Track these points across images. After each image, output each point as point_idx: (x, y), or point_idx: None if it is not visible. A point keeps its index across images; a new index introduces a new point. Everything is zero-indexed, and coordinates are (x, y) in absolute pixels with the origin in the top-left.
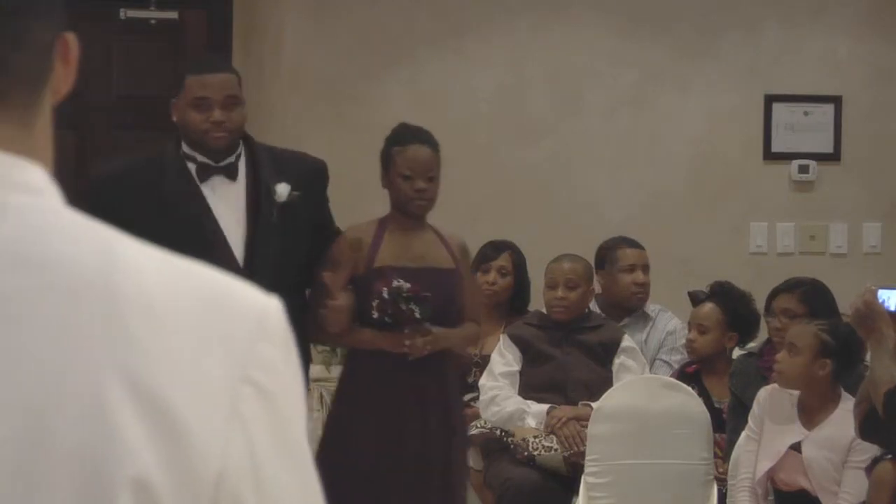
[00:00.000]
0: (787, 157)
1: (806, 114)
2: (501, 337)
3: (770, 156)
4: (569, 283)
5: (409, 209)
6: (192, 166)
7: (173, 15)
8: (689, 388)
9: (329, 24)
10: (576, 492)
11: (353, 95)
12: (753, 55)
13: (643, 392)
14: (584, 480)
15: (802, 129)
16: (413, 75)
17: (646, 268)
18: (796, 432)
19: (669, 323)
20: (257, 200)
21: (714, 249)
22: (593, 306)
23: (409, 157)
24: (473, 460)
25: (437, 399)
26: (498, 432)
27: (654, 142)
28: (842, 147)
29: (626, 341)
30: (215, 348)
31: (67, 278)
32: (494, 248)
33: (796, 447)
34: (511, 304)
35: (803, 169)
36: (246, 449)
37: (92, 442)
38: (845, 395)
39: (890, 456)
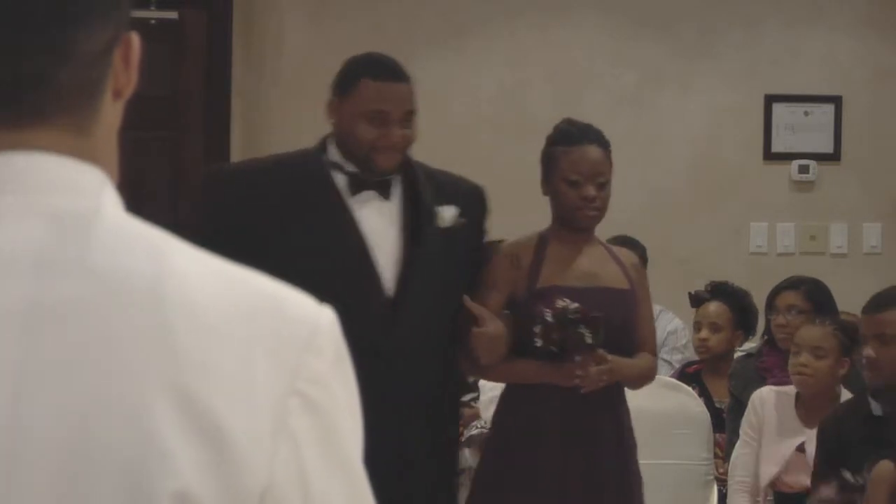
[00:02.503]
0: (788, 157)
1: (806, 114)
2: None
3: (770, 156)
4: None
5: (576, 220)
6: (339, 176)
7: (173, 15)
8: (690, 389)
9: (329, 24)
10: None
11: None
12: (753, 55)
13: (643, 392)
14: None
15: (802, 130)
16: (413, 75)
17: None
18: (798, 433)
19: (671, 323)
20: (414, 224)
21: (714, 249)
22: None
23: (575, 160)
24: (473, 460)
25: (611, 442)
26: None
27: (654, 142)
28: (842, 147)
29: None
30: (264, 360)
31: (116, 285)
32: (495, 249)
33: (800, 447)
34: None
35: (803, 169)
36: (294, 463)
37: (135, 452)
38: (844, 389)
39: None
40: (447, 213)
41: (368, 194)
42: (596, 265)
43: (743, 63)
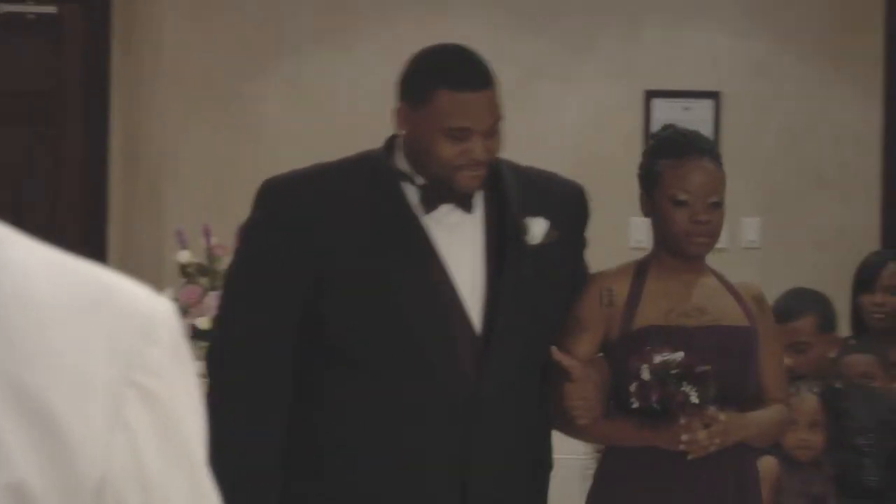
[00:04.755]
0: None
1: (685, 109)
2: None
3: None
4: None
5: (684, 247)
6: (410, 188)
7: (52, 9)
8: None
9: (210, 20)
10: None
11: (234, 93)
12: (634, 51)
13: None
14: None
15: (682, 125)
16: (295, 73)
17: None
18: None
19: None
20: (501, 242)
21: (595, 244)
22: None
23: (683, 175)
24: None
25: None
26: None
27: (534, 137)
28: (721, 142)
29: None
30: (99, 350)
31: None
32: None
33: None
34: None
35: None
36: (130, 455)
37: None
38: None
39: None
40: (537, 228)
41: (446, 209)
42: (706, 299)
43: (623, 58)
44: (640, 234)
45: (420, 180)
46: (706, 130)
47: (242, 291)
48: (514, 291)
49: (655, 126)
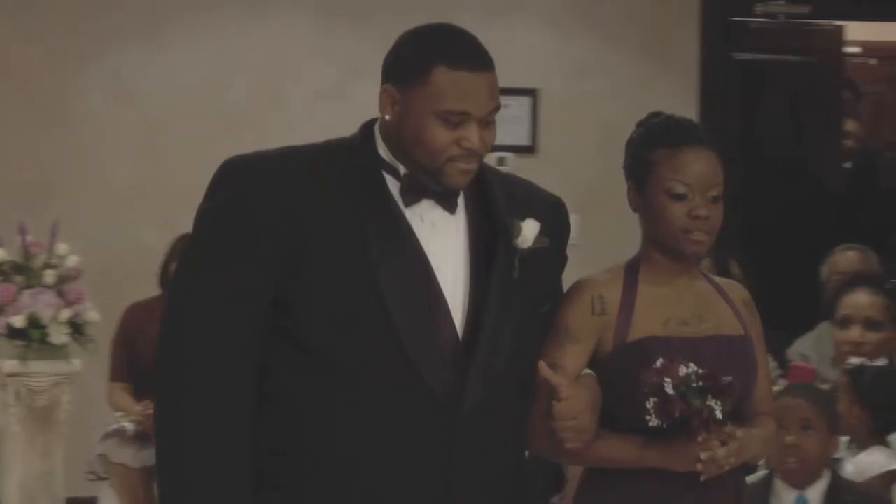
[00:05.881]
0: None
1: (503, 106)
2: None
3: None
4: None
5: (681, 246)
6: (391, 181)
7: None
8: None
9: (22, 13)
10: None
11: (50, 90)
12: None
13: None
14: None
15: (500, 122)
16: (114, 70)
17: None
18: None
19: None
20: (487, 245)
21: None
22: None
23: (680, 166)
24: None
25: None
26: None
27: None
28: (538, 139)
29: None
30: None
31: None
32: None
33: None
34: None
35: (501, 161)
36: None
37: None
38: None
39: None
40: (529, 230)
41: (427, 205)
42: (702, 305)
43: None
44: None
45: (402, 170)
46: (523, 128)
47: (204, 285)
48: (502, 295)
49: None
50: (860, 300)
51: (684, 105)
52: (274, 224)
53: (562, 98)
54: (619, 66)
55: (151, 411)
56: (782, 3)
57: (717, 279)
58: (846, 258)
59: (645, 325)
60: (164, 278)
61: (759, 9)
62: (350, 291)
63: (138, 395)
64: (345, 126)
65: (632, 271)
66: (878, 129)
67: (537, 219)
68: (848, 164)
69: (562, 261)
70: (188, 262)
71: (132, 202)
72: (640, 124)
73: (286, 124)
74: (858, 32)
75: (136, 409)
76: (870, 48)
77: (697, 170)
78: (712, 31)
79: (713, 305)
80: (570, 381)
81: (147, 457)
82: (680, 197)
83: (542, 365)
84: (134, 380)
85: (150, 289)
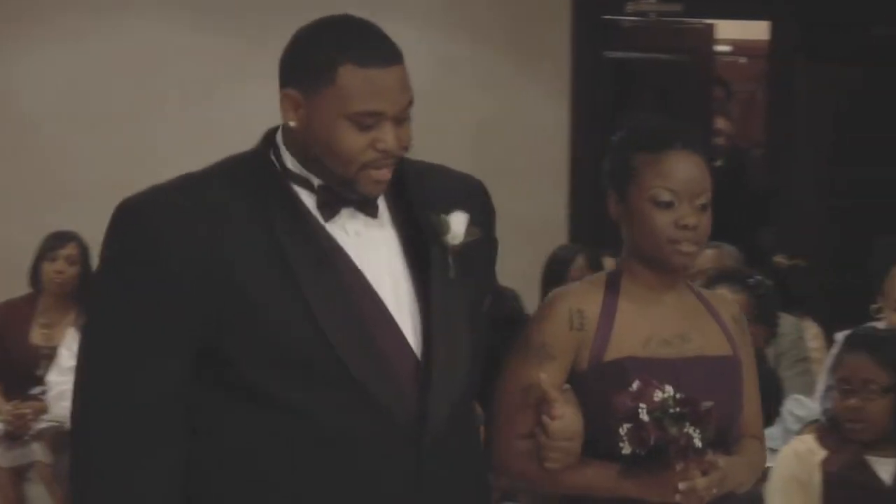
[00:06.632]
0: None
1: None
2: (70, 330)
3: None
4: None
5: (667, 258)
6: (304, 194)
7: None
8: None
9: None
10: None
11: None
12: None
13: None
14: None
15: None
16: None
17: None
18: None
19: None
20: (416, 246)
21: None
22: None
23: (666, 172)
24: (43, 454)
25: None
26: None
27: (222, 133)
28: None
29: None
30: None
31: None
32: (59, 239)
33: None
34: (79, 295)
35: None
36: None
37: None
38: None
39: None
40: (457, 224)
41: (347, 213)
42: (688, 323)
43: None
44: None
45: (316, 182)
46: None
47: (118, 344)
48: (444, 300)
49: None
50: None
51: (556, 104)
52: (187, 266)
53: (433, 95)
54: (491, 65)
55: (21, 411)
56: (653, 2)
57: (707, 293)
58: (703, 256)
59: (624, 343)
60: (34, 278)
61: (630, 7)
62: (282, 324)
63: (8, 394)
64: (212, 124)
65: (612, 284)
66: (747, 128)
67: (464, 209)
68: (718, 163)
69: (493, 246)
70: (96, 320)
71: (1, 200)
72: (621, 127)
73: (158, 122)
74: (729, 31)
75: (6, 408)
76: (740, 47)
77: (684, 176)
78: (584, 29)
79: (699, 323)
80: (565, 402)
81: (17, 456)
82: (666, 205)
83: (543, 376)
84: (3, 379)
85: (19, 288)
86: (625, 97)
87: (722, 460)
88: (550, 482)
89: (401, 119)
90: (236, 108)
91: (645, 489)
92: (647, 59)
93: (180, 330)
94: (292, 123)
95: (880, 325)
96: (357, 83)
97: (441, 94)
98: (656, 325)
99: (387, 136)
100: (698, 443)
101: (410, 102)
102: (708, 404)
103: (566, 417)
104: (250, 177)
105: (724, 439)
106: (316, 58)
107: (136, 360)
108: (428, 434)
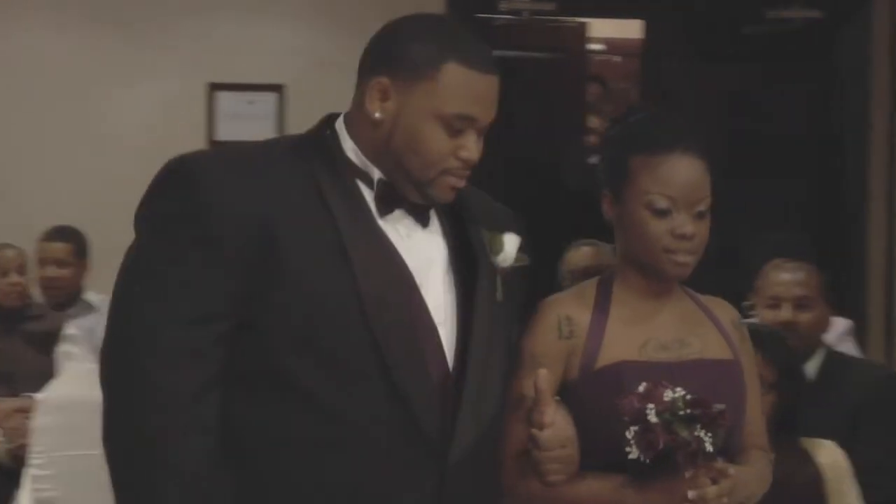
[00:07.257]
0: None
1: (250, 102)
2: None
3: (214, 144)
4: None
5: (662, 266)
6: (364, 188)
7: None
8: None
9: None
10: (19, 484)
11: None
12: (204, 44)
13: (88, 381)
14: (29, 473)
15: (247, 118)
16: None
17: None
18: None
19: None
20: (464, 262)
21: None
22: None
23: (664, 178)
24: None
25: None
26: None
27: (105, 133)
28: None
29: (69, 329)
30: None
31: None
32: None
33: None
34: None
35: None
36: None
37: None
38: None
39: None
40: (510, 245)
41: (399, 214)
42: (684, 327)
43: (192, 52)
44: None
45: (377, 175)
46: (270, 124)
47: (160, 307)
48: (488, 321)
49: (220, 119)
50: None
51: None
52: (240, 231)
53: (309, 93)
54: None
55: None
56: (526, 1)
57: (705, 298)
58: (580, 254)
59: (617, 349)
60: None
61: (503, 5)
62: (329, 312)
63: None
64: (95, 124)
65: (605, 290)
66: None
67: (515, 232)
68: (593, 160)
69: (524, 280)
70: (136, 279)
71: None
72: (614, 119)
73: (34, 121)
74: (601, 30)
75: None
76: (613, 45)
77: (683, 182)
78: None
79: (697, 327)
80: (562, 414)
81: None
82: (662, 213)
83: (538, 379)
84: None
85: None
86: (499, 95)
87: (733, 469)
88: (555, 498)
89: (483, 132)
90: (118, 107)
91: (651, 499)
92: (520, 57)
93: (226, 297)
94: (377, 115)
95: (752, 321)
96: (459, 83)
97: (317, 92)
98: (652, 329)
99: (471, 145)
100: (710, 447)
101: (493, 119)
102: (720, 406)
103: (556, 424)
104: (310, 159)
105: (727, 449)
106: (420, 50)
107: (182, 323)
108: (454, 452)
